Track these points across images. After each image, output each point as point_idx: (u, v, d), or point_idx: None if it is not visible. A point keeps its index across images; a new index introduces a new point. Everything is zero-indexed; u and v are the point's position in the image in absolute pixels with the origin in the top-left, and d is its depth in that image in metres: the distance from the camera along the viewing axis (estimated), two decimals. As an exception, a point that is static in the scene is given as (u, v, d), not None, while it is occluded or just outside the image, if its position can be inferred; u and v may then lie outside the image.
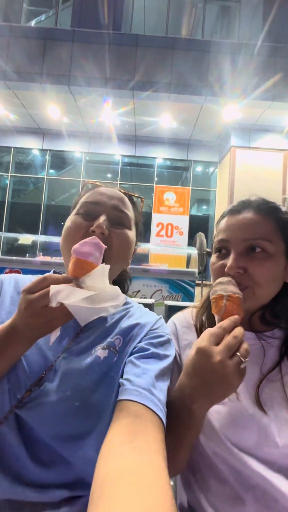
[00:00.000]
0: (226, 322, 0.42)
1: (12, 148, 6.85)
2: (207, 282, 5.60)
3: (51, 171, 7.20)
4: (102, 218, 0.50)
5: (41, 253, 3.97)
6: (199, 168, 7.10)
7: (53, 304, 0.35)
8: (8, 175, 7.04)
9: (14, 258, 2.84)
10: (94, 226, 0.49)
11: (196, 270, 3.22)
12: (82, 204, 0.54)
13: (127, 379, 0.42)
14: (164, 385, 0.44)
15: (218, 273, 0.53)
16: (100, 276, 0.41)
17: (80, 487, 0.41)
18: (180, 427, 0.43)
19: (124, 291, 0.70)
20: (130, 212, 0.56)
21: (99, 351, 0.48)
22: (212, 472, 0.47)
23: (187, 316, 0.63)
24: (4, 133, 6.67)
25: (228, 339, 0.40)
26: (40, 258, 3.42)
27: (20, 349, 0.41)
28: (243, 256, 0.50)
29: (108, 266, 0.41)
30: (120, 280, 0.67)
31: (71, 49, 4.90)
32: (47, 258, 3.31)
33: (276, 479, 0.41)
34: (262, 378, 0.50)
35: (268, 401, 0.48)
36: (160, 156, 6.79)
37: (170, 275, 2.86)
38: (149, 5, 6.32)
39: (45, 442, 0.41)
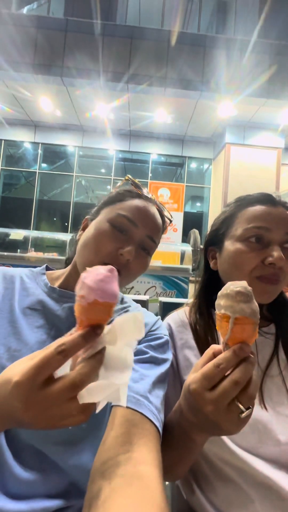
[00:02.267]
0: (225, 360, 0.32)
1: (3, 141, 6.66)
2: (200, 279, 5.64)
3: (43, 165, 7.06)
4: (133, 246, 0.48)
5: (32, 249, 3.90)
6: (193, 165, 7.09)
7: (82, 401, 0.26)
8: (-2, 169, 6.86)
9: (5, 253, 2.78)
10: (125, 250, 0.46)
11: (190, 266, 3.22)
12: (119, 216, 0.49)
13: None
14: (161, 392, 0.43)
15: (251, 263, 0.48)
16: (133, 329, 0.31)
17: (73, 495, 0.39)
18: (180, 447, 0.41)
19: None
20: (158, 240, 0.54)
21: None
22: (216, 474, 0.47)
23: (181, 315, 0.61)
24: (-6, 125, 6.48)
25: (225, 385, 0.32)
26: (32, 253, 3.36)
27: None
28: (282, 249, 0.48)
29: (142, 315, 0.32)
30: None
31: (64, 39, 4.76)
32: (39, 254, 3.25)
33: (280, 476, 0.41)
34: (262, 376, 0.49)
35: (267, 397, 0.47)
36: (154, 151, 6.74)
37: (164, 272, 2.85)
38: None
39: (35, 448, 0.39)
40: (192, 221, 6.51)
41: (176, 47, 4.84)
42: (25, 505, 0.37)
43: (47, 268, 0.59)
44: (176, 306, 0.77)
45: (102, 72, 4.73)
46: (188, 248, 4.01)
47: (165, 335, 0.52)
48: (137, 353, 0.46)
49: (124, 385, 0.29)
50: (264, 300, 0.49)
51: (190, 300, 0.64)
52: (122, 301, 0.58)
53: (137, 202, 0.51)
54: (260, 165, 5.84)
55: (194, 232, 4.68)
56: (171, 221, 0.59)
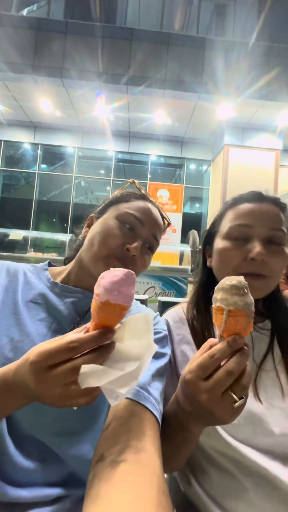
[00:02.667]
0: (219, 351, 0.33)
1: (2, 142, 6.67)
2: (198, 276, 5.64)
3: (43, 166, 7.07)
4: (140, 242, 0.51)
5: (32, 249, 3.90)
6: (192, 166, 7.12)
7: (83, 385, 0.28)
8: (-2, 169, 6.87)
9: (5, 254, 2.78)
10: (132, 246, 0.49)
11: (188, 267, 3.24)
12: (127, 214, 0.52)
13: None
14: (160, 385, 0.44)
15: (235, 260, 0.50)
16: (143, 329, 0.32)
17: (73, 484, 0.41)
18: (177, 438, 0.42)
19: None
20: (160, 238, 0.58)
21: None
22: (212, 465, 0.48)
23: (178, 311, 0.63)
24: (-7, 126, 6.49)
25: (219, 375, 0.33)
26: (31, 254, 3.36)
27: (15, 405, 0.33)
28: (265, 245, 0.50)
29: (152, 316, 0.35)
30: None
31: (64, 41, 4.79)
32: (39, 254, 3.26)
33: (273, 467, 0.42)
34: (257, 369, 0.51)
35: (262, 390, 0.48)
36: (153, 153, 6.76)
37: (163, 272, 2.87)
38: (144, 2, 6.24)
39: (35, 439, 0.40)
40: (191, 222, 6.53)
41: (175, 49, 4.87)
42: (26, 492, 0.38)
43: (50, 265, 0.61)
44: (175, 305, 0.78)
45: (101, 73, 4.75)
46: (187, 249, 4.03)
47: (163, 330, 0.54)
48: None
49: (130, 379, 0.30)
50: (254, 296, 0.50)
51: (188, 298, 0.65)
52: None
53: (142, 203, 0.55)
54: (259, 166, 5.87)
55: (193, 233, 4.70)
56: (169, 224, 0.62)
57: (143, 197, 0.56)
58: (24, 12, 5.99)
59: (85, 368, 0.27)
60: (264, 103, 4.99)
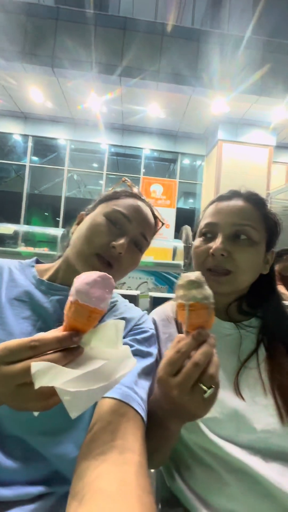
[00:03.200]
0: (185, 344, 0.35)
1: (-9, 132, 6.46)
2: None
3: (34, 158, 6.90)
4: (126, 239, 0.49)
5: (23, 244, 3.83)
6: (186, 161, 7.09)
7: (36, 385, 0.26)
8: (-13, 161, 6.67)
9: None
10: (117, 243, 0.48)
11: (181, 262, 3.25)
12: (115, 211, 0.51)
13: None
14: (146, 384, 0.44)
15: (202, 256, 0.54)
16: (111, 336, 0.31)
17: (56, 482, 0.41)
18: (157, 435, 0.43)
19: None
20: (150, 238, 0.57)
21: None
22: (196, 461, 0.49)
23: (166, 309, 0.63)
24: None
25: (186, 368, 0.33)
26: (23, 248, 3.31)
27: None
28: (229, 240, 0.52)
29: (123, 323, 0.33)
30: None
31: (55, 28, 4.63)
32: (30, 249, 3.20)
33: (255, 462, 0.43)
34: (240, 366, 0.51)
35: (245, 388, 0.49)
36: (147, 146, 6.69)
37: (155, 267, 2.87)
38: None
39: (18, 438, 0.40)
40: (185, 217, 6.54)
41: (169, 41, 4.78)
42: (8, 491, 0.38)
43: (37, 261, 0.60)
44: (166, 301, 0.78)
45: (94, 63, 4.63)
46: (180, 244, 4.04)
47: (150, 329, 0.53)
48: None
49: (90, 379, 0.28)
50: (222, 289, 0.52)
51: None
52: None
53: (132, 201, 0.54)
54: (252, 162, 5.90)
55: (186, 229, 4.71)
56: (163, 224, 0.61)
57: (134, 195, 0.56)
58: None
59: (36, 366, 0.26)
60: (258, 99, 4.98)
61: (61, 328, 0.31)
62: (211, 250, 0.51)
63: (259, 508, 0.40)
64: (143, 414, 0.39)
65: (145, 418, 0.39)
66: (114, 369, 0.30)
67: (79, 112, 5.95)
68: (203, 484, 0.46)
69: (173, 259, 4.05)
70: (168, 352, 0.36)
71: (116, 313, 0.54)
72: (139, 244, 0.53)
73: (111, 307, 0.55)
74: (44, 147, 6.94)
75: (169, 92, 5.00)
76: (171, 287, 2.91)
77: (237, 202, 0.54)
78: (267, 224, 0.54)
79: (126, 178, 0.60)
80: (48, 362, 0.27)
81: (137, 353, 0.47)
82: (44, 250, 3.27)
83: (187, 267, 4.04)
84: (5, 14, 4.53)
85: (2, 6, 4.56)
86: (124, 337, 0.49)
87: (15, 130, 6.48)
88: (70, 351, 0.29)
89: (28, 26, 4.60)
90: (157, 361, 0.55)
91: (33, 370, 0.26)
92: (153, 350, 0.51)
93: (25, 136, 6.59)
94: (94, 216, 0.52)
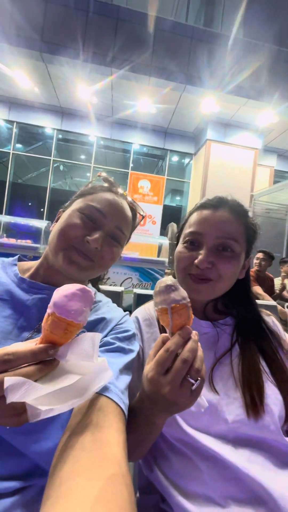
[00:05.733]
0: (173, 343, 0.37)
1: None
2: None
3: (18, 146, 6.62)
4: (100, 234, 0.49)
5: (4, 235, 3.70)
6: (175, 158, 7.12)
7: (8, 400, 0.25)
8: None
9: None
10: (91, 238, 0.48)
11: (166, 259, 3.29)
12: (89, 206, 0.51)
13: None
14: (127, 378, 0.45)
15: (184, 263, 0.56)
16: (87, 349, 0.31)
17: (36, 475, 0.41)
18: (142, 430, 0.45)
19: (100, 278, 0.70)
20: (128, 232, 0.56)
21: None
22: (172, 451, 0.51)
23: (149, 309, 0.65)
24: None
25: (176, 366, 0.36)
26: (4, 240, 3.19)
27: None
28: (213, 252, 0.54)
29: (100, 336, 0.33)
30: None
31: (44, 10, 4.42)
32: (12, 241, 3.10)
33: (225, 450, 0.46)
34: (215, 362, 0.55)
35: (219, 382, 0.53)
36: (137, 141, 6.63)
37: (140, 264, 2.89)
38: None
39: None
40: (171, 215, 6.59)
41: (162, 35, 4.73)
42: None
43: (20, 259, 0.59)
44: (151, 298, 0.79)
45: (84, 51, 4.49)
46: (165, 241, 4.07)
47: (132, 329, 0.54)
48: (104, 344, 0.48)
49: (64, 395, 0.27)
50: (200, 297, 0.55)
51: None
52: (94, 296, 0.59)
53: (107, 195, 0.53)
54: (238, 163, 6.03)
55: (172, 226, 4.75)
56: (143, 217, 0.61)
57: (110, 190, 0.55)
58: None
59: (8, 381, 0.25)
60: (246, 101, 5.08)
61: (36, 339, 0.31)
62: (196, 261, 0.53)
63: (229, 491, 0.44)
64: (123, 406, 0.39)
65: (125, 411, 0.40)
66: (88, 383, 0.30)
67: (68, 101, 5.77)
68: (178, 472, 0.49)
69: (158, 256, 4.09)
70: (154, 352, 0.39)
71: (98, 313, 0.54)
72: (116, 238, 0.53)
73: (92, 307, 0.55)
74: (29, 135, 6.68)
75: (160, 88, 4.97)
76: (155, 283, 2.95)
77: (223, 214, 0.55)
78: (247, 235, 0.56)
79: (102, 173, 0.59)
80: (21, 377, 0.26)
81: (118, 350, 0.48)
82: (27, 242, 3.18)
83: (172, 264, 4.09)
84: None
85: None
86: (105, 336, 0.50)
87: (-2, 115, 6.18)
88: (45, 364, 0.29)
89: (14, 4, 4.36)
90: (139, 358, 0.56)
91: (5, 385, 0.25)
92: (135, 347, 0.52)
93: (10, 122, 6.30)
94: (69, 212, 0.52)
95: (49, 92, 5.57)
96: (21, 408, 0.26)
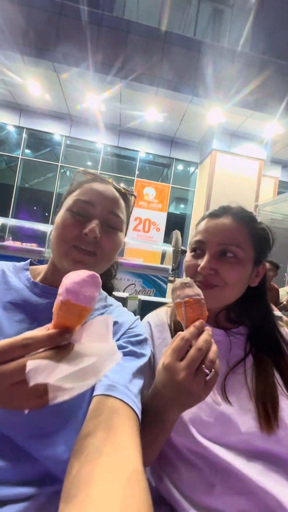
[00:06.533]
0: (188, 332, 0.40)
1: (-16, 121, 6.29)
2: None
3: (27, 151, 6.76)
4: (95, 222, 0.48)
5: (10, 238, 3.74)
6: (180, 167, 7.19)
7: (31, 383, 0.26)
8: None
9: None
10: (87, 229, 0.47)
11: (170, 266, 3.29)
12: (76, 201, 0.50)
13: (104, 375, 0.41)
14: (139, 382, 0.45)
15: (191, 270, 0.57)
16: (102, 331, 0.32)
17: (47, 482, 0.40)
18: (153, 430, 0.44)
19: (112, 276, 0.70)
20: (123, 214, 0.55)
21: None
22: (182, 462, 0.50)
23: (160, 315, 0.65)
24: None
25: (191, 353, 0.38)
26: (9, 243, 3.22)
27: None
28: (215, 258, 0.54)
29: (112, 319, 0.33)
30: (108, 269, 0.65)
31: (57, 23, 4.59)
32: (17, 244, 3.13)
33: (238, 462, 0.45)
34: (228, 371, 0.54)
35: (232, 392, 0.51)
36: (143, 150, 6.73)
37: (144, 270, 2.89)
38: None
39: (8, 438, 0.40)
40: (175, 222, 6.62)
41: (171, 48, 4.86)
42: (1, 492, 0.37)
43: (31, 263, 0.60)
44: (155, 304, 0.79)
45: (95, 62, 4.62)
46: (169, 249, 4.08)
47: (143, 333, 0.54)
48: (118, 347, 0.48)
49: (83, 375, 0.28)
50: (208, 304, 0.54)
51: (169, 299, 0.67)
52: (105, 299, 0.59)
53: (92, 185, 0.53)
54: (243, 174, 6.08)
55: (176, 233, 4.77)
56: (135, 196, 0.60)
57: (93, 180, 0.54)
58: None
59: (31, 364, 0.26)
60: (252, 113, 5.15)
61: (48, 326, 0.31)
62: (198, 268, 0.54)
63: (242, 505, 0.42)
64: (137, 410, 0.39)
65: (139, 415, 0.39)
66: (102, 363, 0.30)
67: (77, 109, 5.91)
68: (190, 484, 0.48)
69: (162, 262, 4.09)
70: (169, 346, 0.41)
71: (100, 313, 0.54)
72: (112, 223, 0.52)
73: (104, 311, 0.55)
74: (38, 141, 6.82)
75: (168, 98, 5.07)
76: (158, 290, 2.93)
77: (225, 221, 0.56)
78: (255, 240, 0.56)
79: (81, 168, 0.58)
80: (42, 360, 0.27)
81: (131, 354, 0.48)
82: (32, 246, 3.21)
83: (175, 272, 4.09)
84: (7, 5, 4.45)
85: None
86: (117, 340, 0.50)
87: (9, 121, 6.34)
88: (61, 348, 0.29)
89: (30, 18, 4.53)
90: (150, 363, 0.56)
91: (28, 367, 0.26)
92: (147, 351, 0.51)
93: (20, 128, 6.46)
94: (61, 213, 0.51)
95: (59, 100, 5.71)
96: (42, 390, 0.27)
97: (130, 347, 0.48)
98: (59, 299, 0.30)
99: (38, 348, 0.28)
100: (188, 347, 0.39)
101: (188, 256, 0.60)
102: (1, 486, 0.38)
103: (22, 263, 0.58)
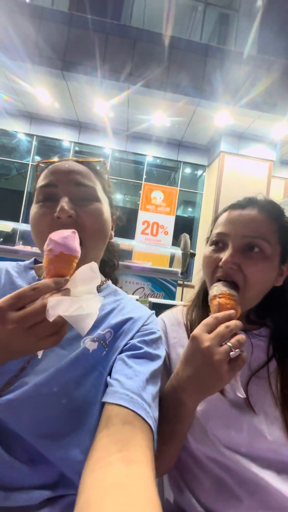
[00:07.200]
0: (220, 314, 0.42)
1: (-4, 129, 6.48)
2: (188, 283, 5.69)
3: (37, 157, 6.91)
4: (64, 200, 0.45)
5: (20, 242, 3.80)
6: (188, 170, 7.17)
7: (51, 318, 0.30)
8: (-11, 158, 6.67)
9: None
10: (57, 211, 0.44)
11: (179, 270, 3.25)
12: (39, 190, 0.48)
13: (116, 380, 0.40)
14: (154, 389, 0.42)
15: (211, 266, 0.52)
16: (91, 274, 0.38)
17: (62, 485, 0.39)
18: (170, 420, 0.42)
19: (115, 267, 0.66)
20: (93, 182, 0.50)
21: (88, 343, 0.45)
22: (204, 472, 0.47)
23: (176, 314, 0.62)
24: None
25: (219, 327, 0.40)
26: (20, 247, 3.27)
27: None
28: (239, 253, 0.50)
29: (96, 265, 0.38)
30: (108, 258, 0.63)
31: (67, 33, 4.71)
32: (27, 248, 3.17)
33: (267, 474, 0.42)
34: (250, 376, 0.50)
35: (256, 398, 0.48)
36: (150, 154, 6.76)
37: (153, 273, 2.86)
38: (150, 1, 6.24)
39: (23, 440, 0.38)
40: (183, 225, 6.57)
41: (178, 53, 4.89)
42: (15, 496, 0.36)
43: (36, 262, 0.58)
44: (166, 307, 0.77)
45: (103, 70, 4.70)
46: (178, 251, 4.05)
47: (158, 330, 0.52)
48: (130, 347, 0.46)
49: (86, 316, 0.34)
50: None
51: (180, 302, 0.65)
52: (116, 293, 0.57)
53: (49, 169, 0.49)
54: (252, 176, 6.00)
55: (185, 236, 4.73)
56: (101, 161, 0.55)
57: (50, 163, 0.51)
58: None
59: (52, 301, 0.31)
60: (261, 114, 5.10)
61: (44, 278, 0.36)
62: (220, 263, 0.50)
63: None
64: (151, 422, 0.37)
65: (153, 426, 0.37)
66: (97, 298, 0.37)
67: (86, 115, 6.01)
68: (212, 496, 0.45)
69: (170, 266, 4.05)
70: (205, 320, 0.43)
71: (123, 312, 0.52)
72: (82, 194, 0.47)
73: (117, 305, 0.53)
74: (47, 147, 6.97)
75: (175, 102, 5.09)
76: (167, 294, 2.89)
77: (251, 212, 0.51)
78: (282, 236, 0.51)
79: (37, 162, 0.54)
80: (59, 297, 0.32)
81: (145, 356, 0.45)
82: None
83: (184, 275, 4.05)
84: (18, 16, 4.61)
85: (16, 8, 4.64)
86: (131, 338, 0.47)
87: (20, 129, 6.51)
88: (63, 292, 0.34)
89: (40, 29, 4.67)
90: (165, 364, 0.54)
91: (50, 304, 0.31)
92: (161, 352, 0.49)
93: (30, 136, 6.62)
94: (31, 211, 0.50)
95: (68, 107, 5.83)
96: (60, 323, 0.32)
97: (145, 348, 0.46)
98: (52, 253, 0.36)
99: (46, 292, 0.33)
100: (218, 325, 0.41)
101: (208, 250, 0.55)
102: (19, 490, 0.36)
103: (27, 262, 0.57)
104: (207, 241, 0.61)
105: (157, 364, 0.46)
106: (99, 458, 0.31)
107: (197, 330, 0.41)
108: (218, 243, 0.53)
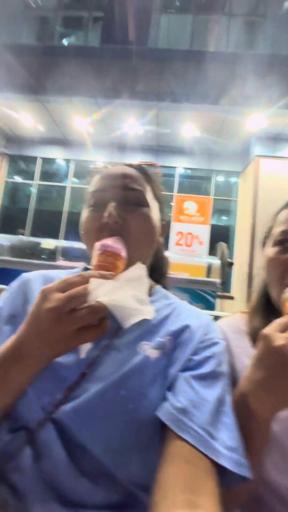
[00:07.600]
0: None
1: (37, 158, 7.19)
2: (227, 294, 5.38)
3: (74, 179, 7.45)
4: (111, 206, 0.45)
5: (61, 258, 4.04)
6: (220, 178, 7.02)
7: (92, 301, 0.30)
8: (33, 183, 7.38)
9: (36, 261, 2.90)
10: (105, 216, 0.44)
11: (217, 280, 3.10)
12: (90, 195, 0.50)
13: (182, 409, 0.35)
14: (226, 417, 0.36)
15: (280, 269, 0.47)
16: (137, 274, 0.38)
17: (129, 507, 0.35)
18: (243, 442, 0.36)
19: (164, 275, 0.63)
20: (142, 186, 0.50)
21: (149, 351, 0.41)
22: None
23: (235, 321, 0.56)
24: (31, 143, 7.05)
25: None
26: (61, 263, 3.47)
27: (26, 376, 0.34)
28: None
29: (144, 267, 0.38)
30: (157, 265, 0.60)
31: (99, 65, 5.13)
32: (68, 263, 3.35)
33: None
34: None
35: None
36: (181, 165, 6.80)
37: (191, 284, 2.77)
38: (174, 24, 6.53)
39: (89, 452, 0.35)
40: (218, 234, 6.35)
41: (204, 66, 4.95)
42: None
43: (86, 269, 0.58)
44: (213, 317, 0.71)
45: (132, 92, 4.97)
46: (215, 261, 3.89)
47: (219, 339, 0.46)
48: (195, 366, 0.41)
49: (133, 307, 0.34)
50: None
51: (223, 313, 0.59)
52: (167, 297, 0.53)
53: (101, 174, 0.52)
54: (293, 176, 5.61)
55: (222, 245, 4.54)
56: (153, 164, 0.56)
57: (103, 169, 0.53)
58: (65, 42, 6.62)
59: (94, 282, 0.31)
60: (298, 113, 4.82)
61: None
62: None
63: None
64: (223, 461, 0.32)
65: (221, 462, 0.32)
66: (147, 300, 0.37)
67: (118, 136, 6.37)
68: None
69: (208, 276, 3.89)
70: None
71: (180, 317, 0.47)
72: (131, 199, 0.47)
73: (172, 309, 0.49)
74: (83, 169, 7.47)
75: (204, 112, 5.11)
76: (206, 305, 2.75)
77: None
78: None
79: (92, 167, 0.57)
80: (102, 279, 0.32)
81: (211, 376, 0.40)
82: (82, 265, 3.40)
83: (224, 285, 3.84)
84: (58, 58, 5.19)
85: (54, 51, 5.24)
86: (194, 353, 0.42)
87: (58, 155, 7.13)
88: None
89: (73, 65, 5.17)
90: (231, 377, 0.48)
91: (92, 285, 0.31)
92: (225, 368, 0.43)
93: (67, 160, 7.20)
94: (82, 217, 0.52)
95: (101, 130, 6.25)
96: (100, 311, 0.31)
97: (210, 365, 0.41)
98: (98, 253, 0.39)
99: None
100: None
101: (273, 252, 0.50)
102: (84, 508, 0.33)
103: (77, 269, 0.58)
104: (263, 243, 0.56)
105: (224, 381, 0.41)
106: (162, 498, 0.29)
107: (268, 329, 0.37)
108: (284, 243, 0.48)
